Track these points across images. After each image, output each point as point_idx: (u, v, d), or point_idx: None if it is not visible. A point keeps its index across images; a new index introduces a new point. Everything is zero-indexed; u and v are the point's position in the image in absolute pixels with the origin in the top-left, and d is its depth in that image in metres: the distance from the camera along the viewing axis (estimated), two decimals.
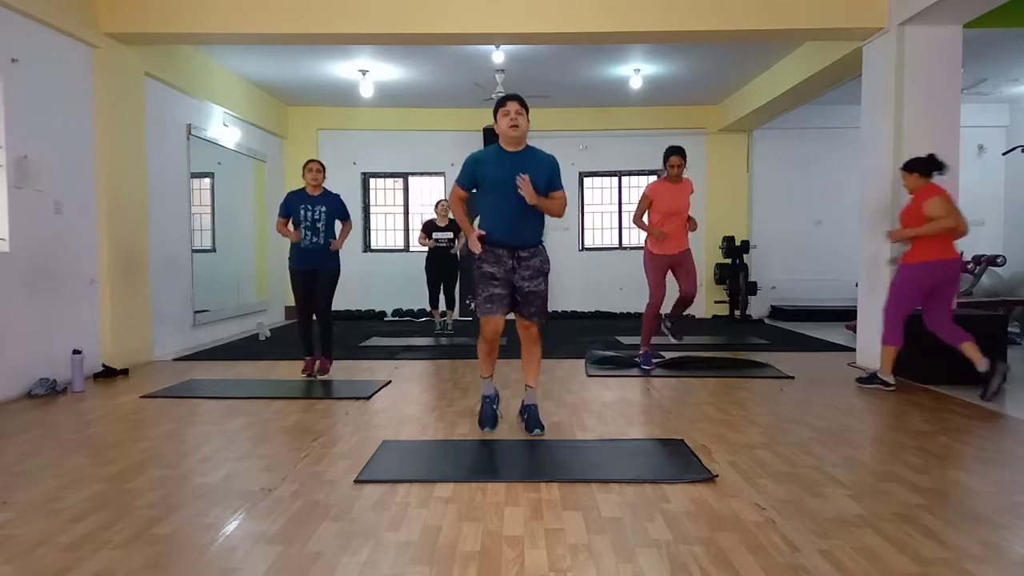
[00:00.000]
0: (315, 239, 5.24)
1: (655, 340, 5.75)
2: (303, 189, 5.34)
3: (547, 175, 3.71)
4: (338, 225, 5.45)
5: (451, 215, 7.72)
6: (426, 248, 7.99)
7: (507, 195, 3.59)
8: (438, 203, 8.07)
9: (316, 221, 5.23)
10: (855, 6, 5.59)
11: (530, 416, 3.81)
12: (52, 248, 5.17)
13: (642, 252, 5.67)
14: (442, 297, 8.16)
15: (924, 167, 4.76)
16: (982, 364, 4.49)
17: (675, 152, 5.39)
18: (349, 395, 4.79)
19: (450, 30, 5.72)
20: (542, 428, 3.76)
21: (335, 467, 3.20)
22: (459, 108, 9.97)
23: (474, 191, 3.80)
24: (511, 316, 3.79)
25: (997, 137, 9.89)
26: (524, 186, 3.54)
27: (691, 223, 5.49)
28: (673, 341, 6.07)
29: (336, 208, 5.36)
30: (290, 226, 5.33)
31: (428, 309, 8.41)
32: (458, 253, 7.97)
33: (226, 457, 3.38)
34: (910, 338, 4.80)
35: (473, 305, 3.83)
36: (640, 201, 5.53)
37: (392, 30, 5.70)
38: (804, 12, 5.62)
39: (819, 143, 10.11)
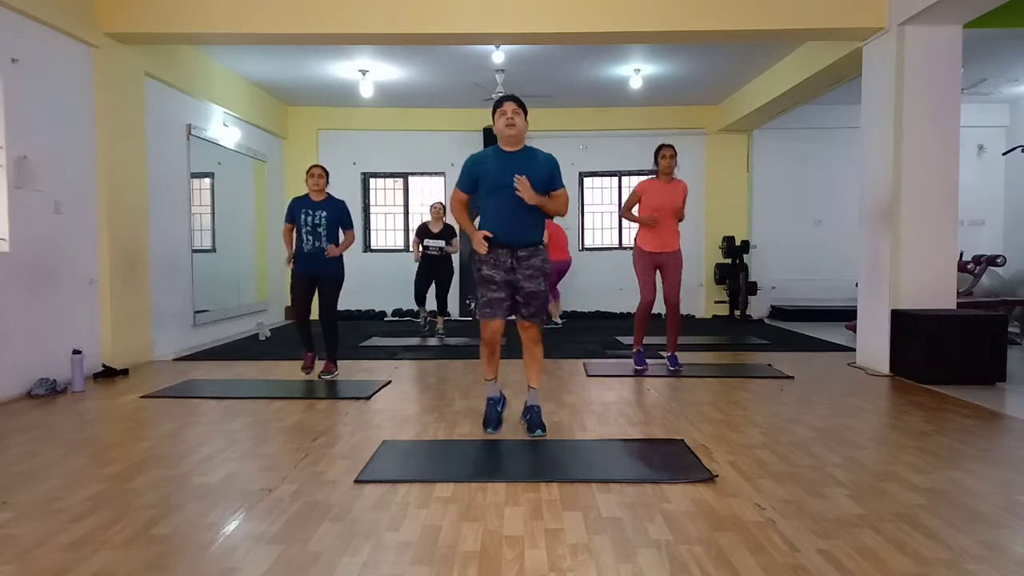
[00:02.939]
0: (316, 243, 5.22)
1: (648, 340, 5.75)
2: (307, 195, 5.34)
3: (547, 174, 3.70)
4: (341, 232, 5.41)
5: (446, 219, 7.73)
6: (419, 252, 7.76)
7: (506, 195, 3.58)
8: (432, 206, 7.73)
9: (316, 225, 5.20)
10: (855, 6, 5.59)
11: (532, 417, 3.80)
12: (52, 248, 5.17)
13: None
14: (434, 301, 7.85)
15: None
16: (556, 315, 8.54)
17: (665, 145, 5.49)
18: (349, 395, 4.79)
19: (450, 30, 5.72)
20: (544, 429, 3.75)
21: (335, 467, 3.20)
22: (459, 108, 9.97)
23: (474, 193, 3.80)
24: (512, 316, 3.79)
25: (997, 137, 9.88)
26: (522, 187, 3.54)
27: (678, 212, 5.43)
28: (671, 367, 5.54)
29: (338, 214, 5.32)
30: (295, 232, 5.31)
31: (416, 308, 7.99)
32: (453, 256, 7.83)
33: (226, 457, 3.38)
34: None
35: (474, 306, 3.83)
36: (629, 196, 5.57)
37: (392, 30, 5.70)
38: (804, 12, 5.62)
39: (819, 143, 10.11)
